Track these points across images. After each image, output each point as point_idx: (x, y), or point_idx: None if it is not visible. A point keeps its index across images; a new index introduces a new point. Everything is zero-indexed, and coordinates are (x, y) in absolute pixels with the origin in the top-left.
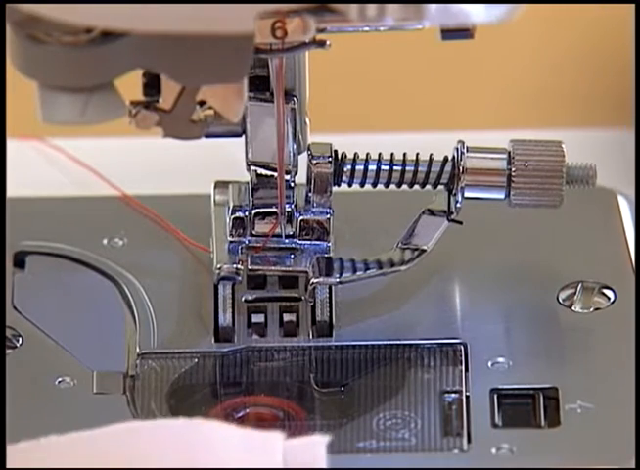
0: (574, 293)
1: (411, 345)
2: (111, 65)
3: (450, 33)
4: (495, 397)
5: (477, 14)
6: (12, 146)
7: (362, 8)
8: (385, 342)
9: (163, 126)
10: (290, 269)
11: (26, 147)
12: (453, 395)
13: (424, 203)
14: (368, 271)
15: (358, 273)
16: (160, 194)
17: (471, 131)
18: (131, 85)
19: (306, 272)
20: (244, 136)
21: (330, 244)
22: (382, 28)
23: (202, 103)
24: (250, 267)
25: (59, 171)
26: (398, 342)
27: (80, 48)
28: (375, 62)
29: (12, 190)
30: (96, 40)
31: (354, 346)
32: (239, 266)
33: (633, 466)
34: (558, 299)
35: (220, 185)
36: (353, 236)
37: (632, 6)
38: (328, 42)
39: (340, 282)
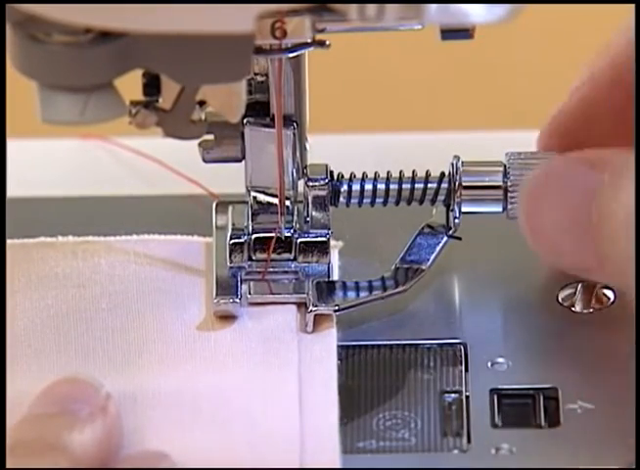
0: (574, 293)
1: (411, 345)
2: (111, 65)
3: (450, 33)
4: (495, 397)
5: (476, 14)
6: (11, 145)
7: (362, 8)
8: (385, 342)
9: (163, 126)
10: (290, 297)
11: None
12: (453, 395)
13: (424, 215)
14: (367, 295)
15: (358, 298)
16: (161, 194)
17: (470, 132)
18: (131, 85)
19: (305, 302)
20: (244, 161)
21: (330, 265)
22: (382, 28)
23: (202, 103)
24: (249, 296)
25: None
26: (398, 342)
27: (80, 48)
28: (375, 62)
29: (13, 190)
30: (96, 40)
31: (354, 346)
32: (236, 300)
33: (633, 466)
34: (558, 299)
35: (221, 207)
36: (354, 251)
37: (632, 6)
38: (328, 42)
39: (338, 310)
